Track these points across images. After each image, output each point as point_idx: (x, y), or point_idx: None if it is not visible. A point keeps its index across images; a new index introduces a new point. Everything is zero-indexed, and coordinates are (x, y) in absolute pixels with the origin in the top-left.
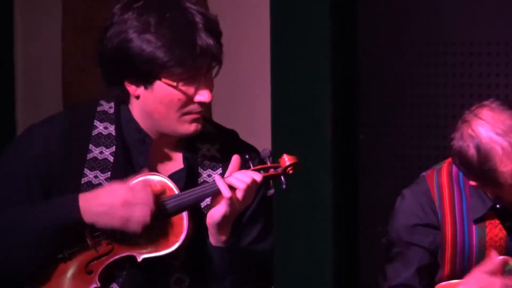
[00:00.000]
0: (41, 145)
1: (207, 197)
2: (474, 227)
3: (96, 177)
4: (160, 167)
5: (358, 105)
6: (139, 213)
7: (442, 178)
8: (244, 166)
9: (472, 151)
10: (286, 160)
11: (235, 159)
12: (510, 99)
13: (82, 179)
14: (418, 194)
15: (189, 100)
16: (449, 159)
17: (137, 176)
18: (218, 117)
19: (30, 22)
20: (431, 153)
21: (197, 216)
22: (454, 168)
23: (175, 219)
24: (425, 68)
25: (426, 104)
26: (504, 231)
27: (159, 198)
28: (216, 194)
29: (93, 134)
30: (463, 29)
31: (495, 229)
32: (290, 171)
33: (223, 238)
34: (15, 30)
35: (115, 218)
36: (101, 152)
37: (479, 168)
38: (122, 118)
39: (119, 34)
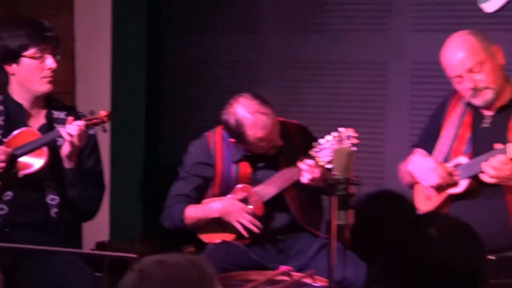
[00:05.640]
0: None
1: (56, 137)
2: (233, 166)
3: None
4: (32, 124)
5: (167, 77)
6: None
7: (217, 136)
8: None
9: (232, 121)
10: (102, 113)
11: (70, 118)
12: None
13: None
14: (202, 144)
15: (43, 68)
16: (221, 126)
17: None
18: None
19: None
20: (212, 118)
21: (57, 152)
22: (223, 132)
23: (41, 151)
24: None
25: (213, 80)
26: (250, 169)
27: (28, 140)
28: (63, 138)
29: None
30: None
31: (245, 168)
32: (106, 119)
33: (72, 163)
34: None
35: None
36: None
37: (236, 131)
38: (7, 101)
39: None
